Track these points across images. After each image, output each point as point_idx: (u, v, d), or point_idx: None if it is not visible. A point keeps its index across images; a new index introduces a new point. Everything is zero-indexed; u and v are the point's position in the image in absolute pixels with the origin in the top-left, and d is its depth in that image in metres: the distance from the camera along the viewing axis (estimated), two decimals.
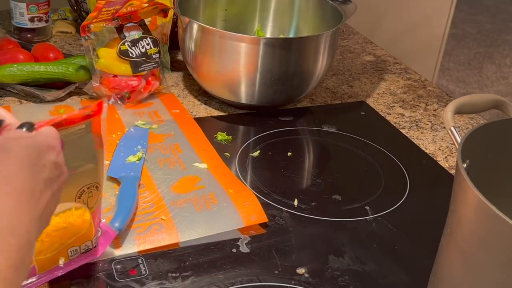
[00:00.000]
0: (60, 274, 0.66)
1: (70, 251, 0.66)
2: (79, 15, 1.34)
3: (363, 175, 0.96)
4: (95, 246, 0.69)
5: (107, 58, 1.03)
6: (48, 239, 0.64)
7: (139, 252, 0.74)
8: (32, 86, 1.06)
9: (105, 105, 0.62)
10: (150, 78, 1.07)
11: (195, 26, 1.04)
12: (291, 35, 1.24)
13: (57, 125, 0.57)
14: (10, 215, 0.46)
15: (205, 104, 1.11)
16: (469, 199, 0.54)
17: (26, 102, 1.05)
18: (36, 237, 0.50)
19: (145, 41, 1.05)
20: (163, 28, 1.10)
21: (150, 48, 1.05)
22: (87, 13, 1.18)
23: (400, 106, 1.18)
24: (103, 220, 0.72)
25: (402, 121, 1.12)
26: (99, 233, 0.70)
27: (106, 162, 0.79)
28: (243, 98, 1.07)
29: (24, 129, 0.52)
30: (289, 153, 0.98)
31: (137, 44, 1.04)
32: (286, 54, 1.02)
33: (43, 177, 0.50)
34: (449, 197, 0.60)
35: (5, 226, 0.45)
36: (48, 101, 1.04)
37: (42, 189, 0.50)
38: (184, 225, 0.78)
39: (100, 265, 0.71)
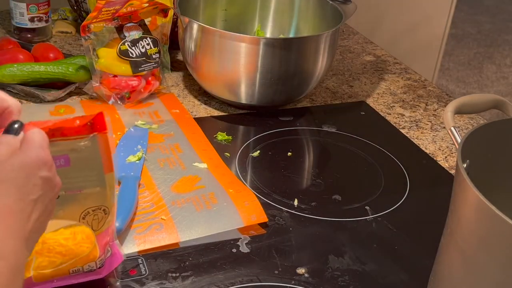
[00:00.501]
0: (55, 286, 0.65)
1: (72, 271, 0.65)
2: (79, 15, 1.34)
3: (363, 175, 0.96)
4: (100, 267, 0.67)
5: (107, 58, 1.03)
6: (51, 254, 0.63)
7: (139, 252, 0.74)
8: (32, 86, 1.06)
9: (107, 119, 0.60)
10: (150, 78, 1.07)
11: (195, 26, 1.04)
12: (291, 35, 1.24)
13: (53, 134, 0.56)
14: None
15: (205, 104, 1.11)
16: (469, 199, 0.54)
17: (26, 102, 1.05)
18: (27, 255, 0.49)
19: (145, 41, 1.05)
20: (163, 28, 1.10)
21: (150, 48, 1.05)
22: (87, 13, 1.18)
23: (400, 106, 1.18)
24: (116, 241, 0.70)
25: (402, 121, 1.12)
26: (108, 254, 0.68)
27: None
28: (243, 98, 1.07)
29: (12, 134, 0.51)
30: (289, 153, 0.98)
31: (137, 44, 1.04)
32: (286, 54, 1.02)
33: (33, 197, 0.49)
34: (449, 197, 0.60)
35: None
36: (48, 101, 1.04)
37: (32, 208, 0.49)
38: (184, 225, 0.78)
39: None
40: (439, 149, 1.04)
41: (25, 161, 0.50)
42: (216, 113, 1.09)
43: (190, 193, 0.84)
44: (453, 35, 3.49)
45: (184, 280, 0.71)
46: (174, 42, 1.16)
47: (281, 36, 1.24)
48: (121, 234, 0.75)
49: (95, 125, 0.60)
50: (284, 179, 0.92)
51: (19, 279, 0.47)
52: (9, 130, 0.52)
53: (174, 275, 0.71)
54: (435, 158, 1.01)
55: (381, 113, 1.14)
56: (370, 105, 1.17)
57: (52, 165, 0.52)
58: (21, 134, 0.52)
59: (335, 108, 1.15)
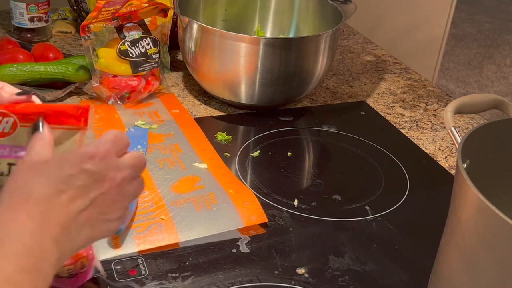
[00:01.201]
0: None
1: None
2: (79, 15, 1.34)
3: (363, 175, 0.96)
4: (68, 276, 0.63)
5: (107, 58, 1.03)
6: None
7: (139, 252, 0.74)
8: (32, 86, 1.06)
9: (91, 113, 0.57)
10: (150, 78, 1.07)
11: (195, 26, 1.04)
12: (291, 35, 1.24)
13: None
14: (12, 224, 0.47)
15: (205, 104, 1.11)
16: (469, 199, 0.54)
17: None
18: (67, 247, 0.51)
19: (145, 41, 1.05)
20: (163, 28, 1.10)
21: (150, 48, 1.05)
22: (87, 13, 1.18)
23: (400, 106, 1.18)
24: (98, 263, 0.66)
25: (402, 121, 1.12)
26: (84, 268, 0.64)
27: None
28: (243, 98, 1.07)
29: (38, 130, 0.55)
30: (289, 153, 0.98)
31: (137, 44, 1.04)
32: (286, 54, 1.02)
33: (65, 187, 0.51)
34: (449, 197, 0.60)
35: (7, 234, 0.46)
36: (48, 101, 1.04)
37: (66, 199, 0.51)
38: (184, 225, 0.78)
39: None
40: (439, 149, 1.04)
41: (63, 157, 0.53)
42: (216, 113, 1.09)
43: (190, 193, 0.84)
44: (453, 35, 3.49)
45: (184, 280, 0.71)
46: (174, 42, 1.16)
47: (281, 36, 1.24)
48: (121, 234, 0.75)
49: (82, 120, 0.57)
50: (284, 179, 0.92)
51: (43, 267, 0.47)
52: (36, 127, 0.55)
53: (174, 275, 0.71)
54: (435, 158, 1.01)
55: (381, 113, 1.14)
56: (370, 105, 1.17)
57: (102, 161, 0.53)
58: (45, 126, 0.55)
59: (335, 108, 1.15)
